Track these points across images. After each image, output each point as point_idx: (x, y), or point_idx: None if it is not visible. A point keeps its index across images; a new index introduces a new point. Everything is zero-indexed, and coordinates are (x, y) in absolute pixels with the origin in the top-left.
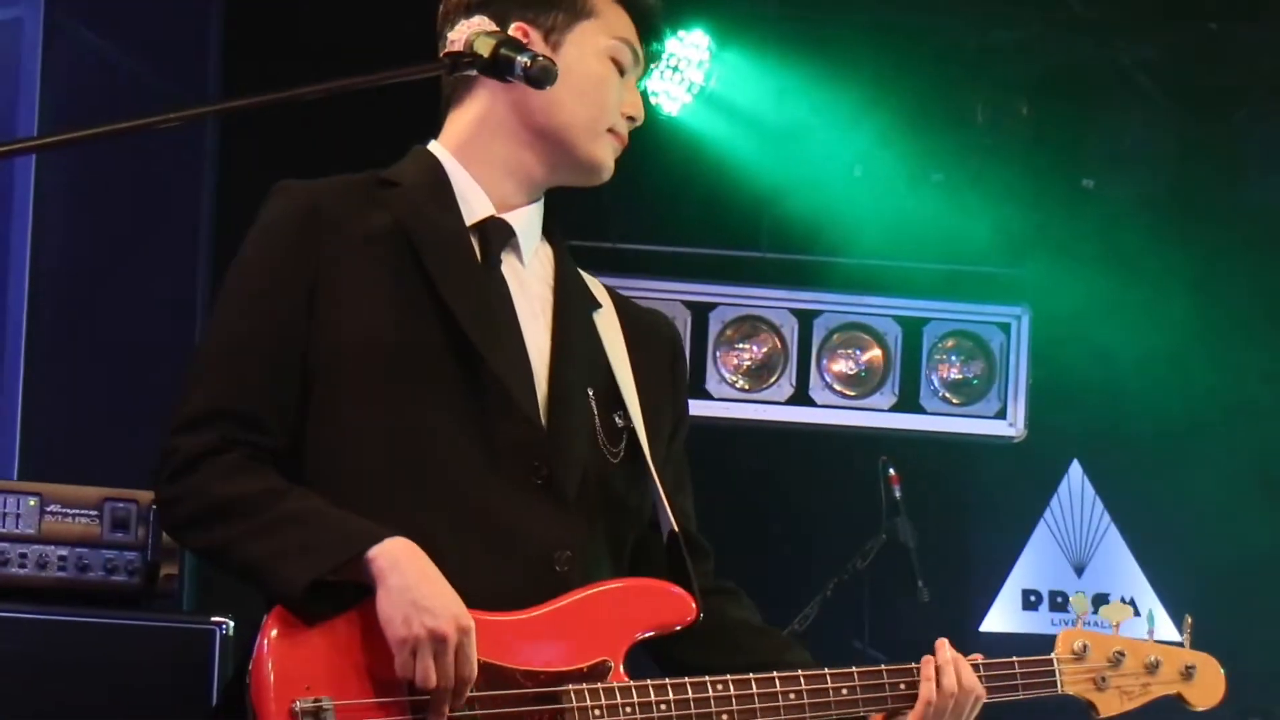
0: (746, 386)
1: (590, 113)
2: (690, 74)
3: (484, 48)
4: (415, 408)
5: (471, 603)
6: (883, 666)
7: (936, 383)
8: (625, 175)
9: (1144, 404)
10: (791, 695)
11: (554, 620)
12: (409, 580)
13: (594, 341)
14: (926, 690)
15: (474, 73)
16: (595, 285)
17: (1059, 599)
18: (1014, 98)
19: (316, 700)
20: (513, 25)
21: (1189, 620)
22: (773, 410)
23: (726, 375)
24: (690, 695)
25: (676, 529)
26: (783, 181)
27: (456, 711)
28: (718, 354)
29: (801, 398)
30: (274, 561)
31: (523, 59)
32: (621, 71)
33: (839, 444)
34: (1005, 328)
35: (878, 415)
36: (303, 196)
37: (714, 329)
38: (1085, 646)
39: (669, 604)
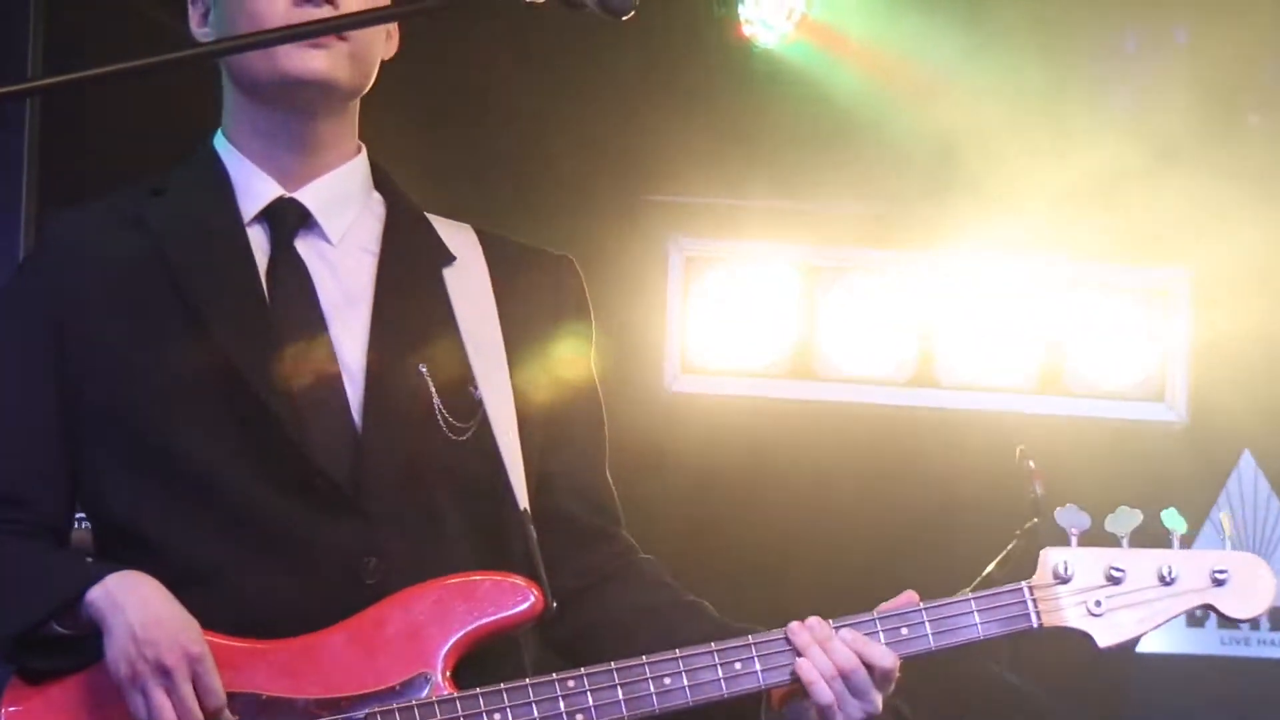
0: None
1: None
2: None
3: None
4: (187, 447)
5: (258, 630)
6: (749, 638)
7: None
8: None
9: None
10: (666, 680)
11: (354, 637)
12: (130, 616)
13: (432, 305)
14: (805, 669)
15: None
16: (457, 233)
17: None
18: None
19: None
20: (190, 5)
21: (1225, 518)
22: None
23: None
24: (532, 698)
25: (524, 506)
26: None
27: None
28: None
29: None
30: None
31: None
32: None
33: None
34: (1163, 295)
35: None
36: (48, 236)
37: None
38: (1068, 565)
39: (499, 599)
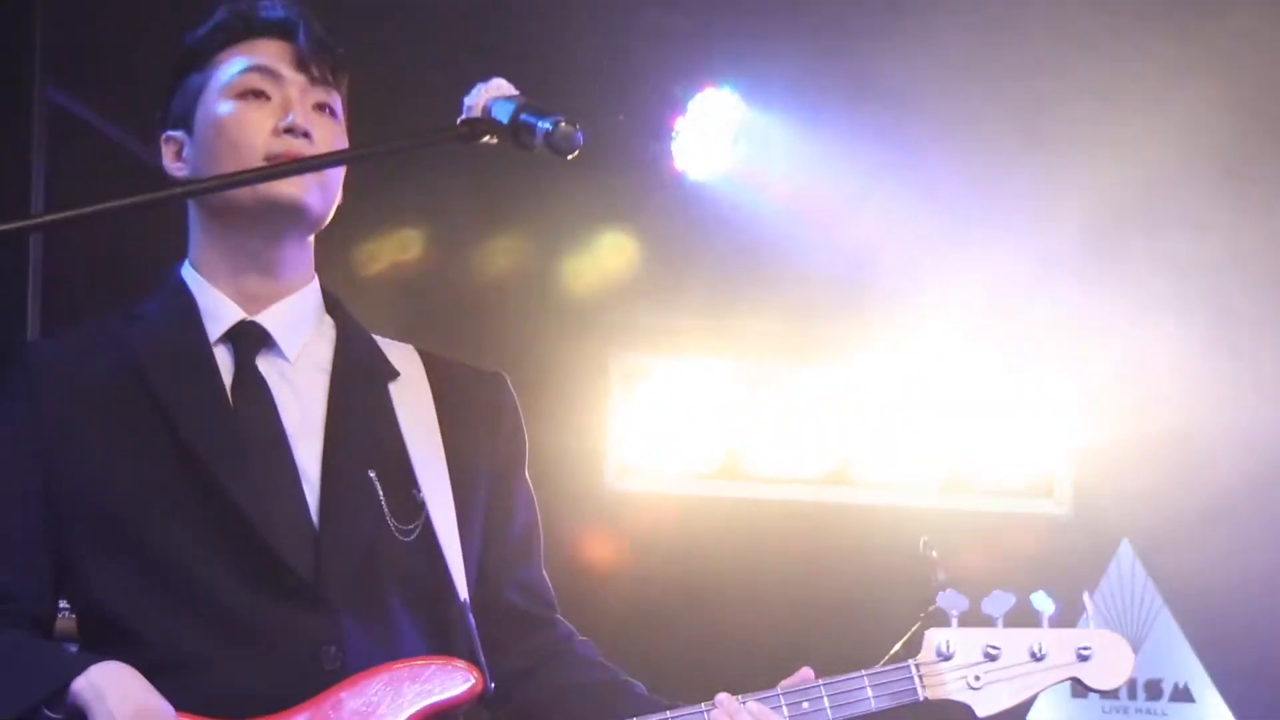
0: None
1: (232, 159)
2: (719, 136)
3: (502, 113)
4: (163, 546)
5: (244, 712)
6: (681, 712)
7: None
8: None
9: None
10: None
11: (315, 718)
12: (111, 704)
13: (379, 417)
14: None
15: (493, 140)
16: (400, 352)
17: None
18: None
19: None
20: (162, 141)
21: (1087, 597)
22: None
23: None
24: None
25: (465, 598)
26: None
27: None
28: None
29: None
30: None
31: (544, 125)
32: (260, 94)
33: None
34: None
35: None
36: (24, 361)
37: None
38: (949, 644)
39: (445, 681)
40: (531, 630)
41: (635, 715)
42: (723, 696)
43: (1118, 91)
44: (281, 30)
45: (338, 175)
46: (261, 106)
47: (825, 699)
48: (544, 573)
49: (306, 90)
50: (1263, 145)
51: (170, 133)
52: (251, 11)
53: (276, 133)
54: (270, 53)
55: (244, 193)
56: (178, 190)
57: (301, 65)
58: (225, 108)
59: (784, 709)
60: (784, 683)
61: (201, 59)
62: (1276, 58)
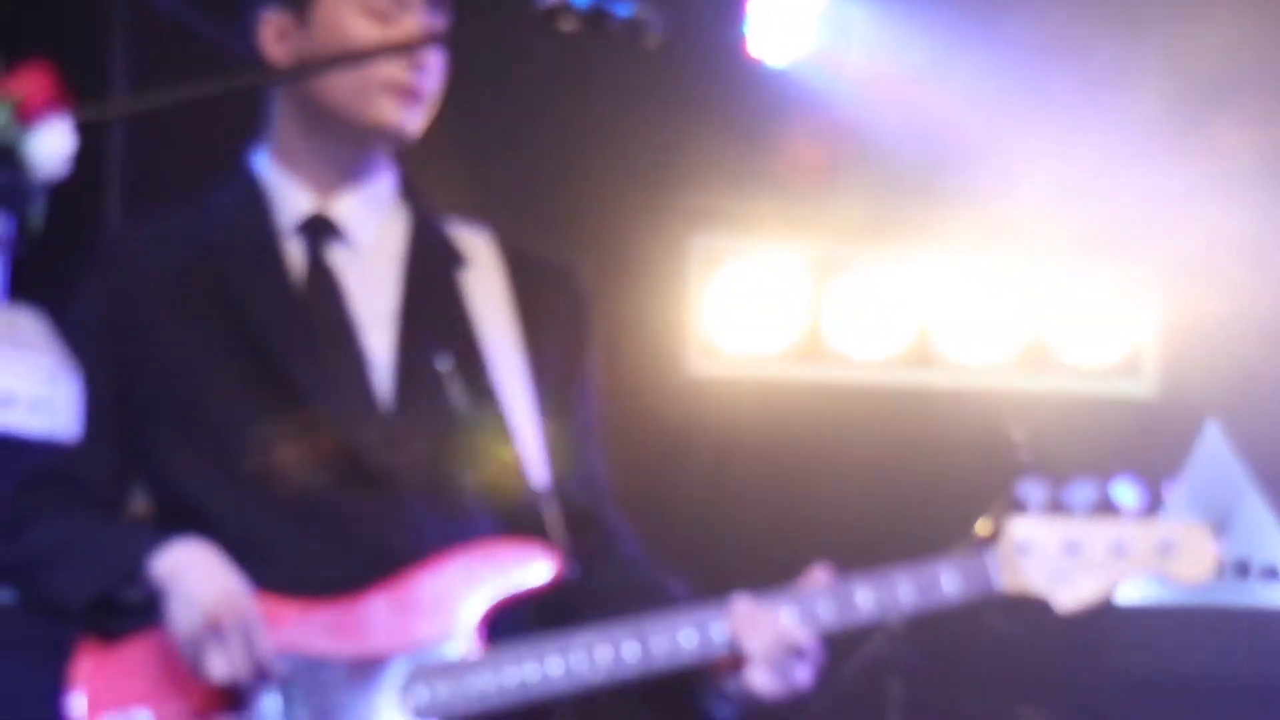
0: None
1: (351, 79)
2: (798, 21)
3: None
4: (235, 430)
5: (304, 594)
6: (707, 610)
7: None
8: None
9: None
10: (665, 641)
11: (389, 599)
12: (189, 582)
13: (452, 306)
14: (748, 642)
15: (572, 26)
16: (473, 238)
17: None
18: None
19: (127, 715)
20: (263, 20)
21: (1168, 490)
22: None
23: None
24: (542, 654)
25: (540, 488)
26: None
27: (272, 703)
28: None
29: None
30: (71, 591)
31: (623, 10)
32: (386, 19)
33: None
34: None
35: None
36: (103, 253)
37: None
38: (1030, 537)
39: (519, 565)
40: (580, 523)
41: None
42: (751, 601)
43: None
44: None
45: (438, 96)
46: (388, 29)
47: (899, 588)
48: (601, 464)
49: (424, 12)
50: None
51: (271, 13)
52: None
53: (397, 61)
54: None
55: (355, 112)
56: (277, 74)
57: None
58: (357, 24)
59: (797, 608)
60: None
61: None
62: None
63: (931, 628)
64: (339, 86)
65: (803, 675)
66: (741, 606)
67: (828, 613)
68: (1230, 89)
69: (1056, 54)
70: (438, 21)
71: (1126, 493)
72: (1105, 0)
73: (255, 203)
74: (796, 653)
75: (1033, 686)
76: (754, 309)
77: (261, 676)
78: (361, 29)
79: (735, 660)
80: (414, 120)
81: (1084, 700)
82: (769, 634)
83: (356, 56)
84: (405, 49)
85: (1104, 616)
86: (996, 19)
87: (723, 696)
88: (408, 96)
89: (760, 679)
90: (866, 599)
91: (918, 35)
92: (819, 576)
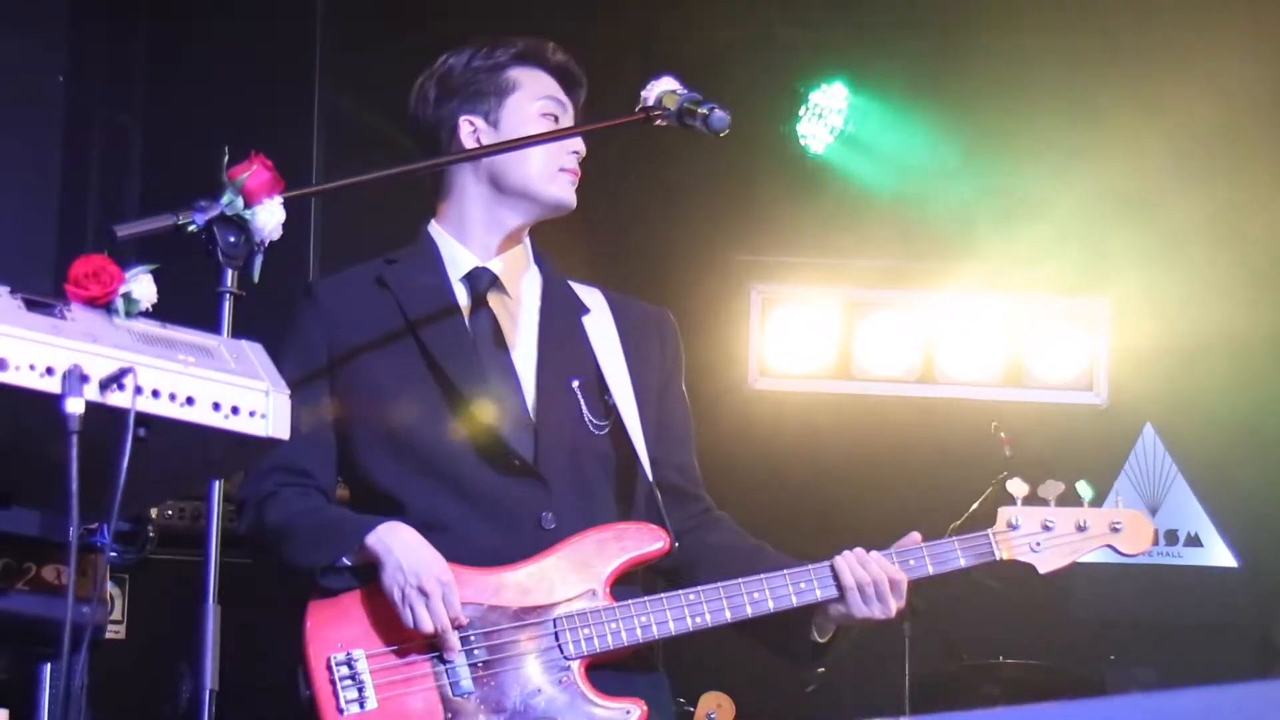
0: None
1: (537, 165)
2: (832, 119)
3: (670, 103)
4: (421, 437)
5: (477, 563)
6: (809, 566)
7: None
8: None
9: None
10: (755, 594)
11: (543, 567)
12: (397, 555)
13: (579, 341)
14: (847, 579)
15: (663, 122)
16: (588, 293)
17: None
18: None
19: (349, 654)
20: (461, 121)
21: (1117, 486)
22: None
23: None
24: (665, 606)
25: (651, 480)
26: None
27: (463, 647)
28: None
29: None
30: (306, 559)
31: (703, 110)
32: (557, 120)
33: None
34: (1091, 314)
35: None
36: (316, 296)
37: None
38: (1018, 519)
39: (641, 539)
40: (685, 502)
41: (771, 570)
42: (857, 550)
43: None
44: (564, 74)
45: None
46: (555, 126)
47: (927, 557)
48: (695, 460)
49: (575, 115)
50: None
51: (470, 117)
52: (539, 45)
53: (568, 152)
54: (558, 86)
55: (538, 188)
56: (478, 150)
57: (575, 101)
58: (537, 126)
59: (895, 564)
60: (897, 544)
61: (502, 66)
62: None
63: (938, 584)
64: (533, 169)
65: (879, 607)
66: (848, 557)
67: (910, 564)
68: (1174, 168)
69: (1029, 149)
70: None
71: (1085, 489)
72: (1064, 93)
73: (432, 258)
74: (894, 586)
75: (1016, 629)
76: (799, 339)
77: (455, 626)
78: (535, 129)
79: (836, 601)
80: (574, 198)
81: (1052, 638)
82: (877, 571)
83: (533, 143)
84: (568, 135)
85: (1067, 576)
86: (995, 125)
87: (825, 622)
88: (574, 177)
89: (859, 607)
90: (921, 560)
91: (933, 131)
92: (914, 536)
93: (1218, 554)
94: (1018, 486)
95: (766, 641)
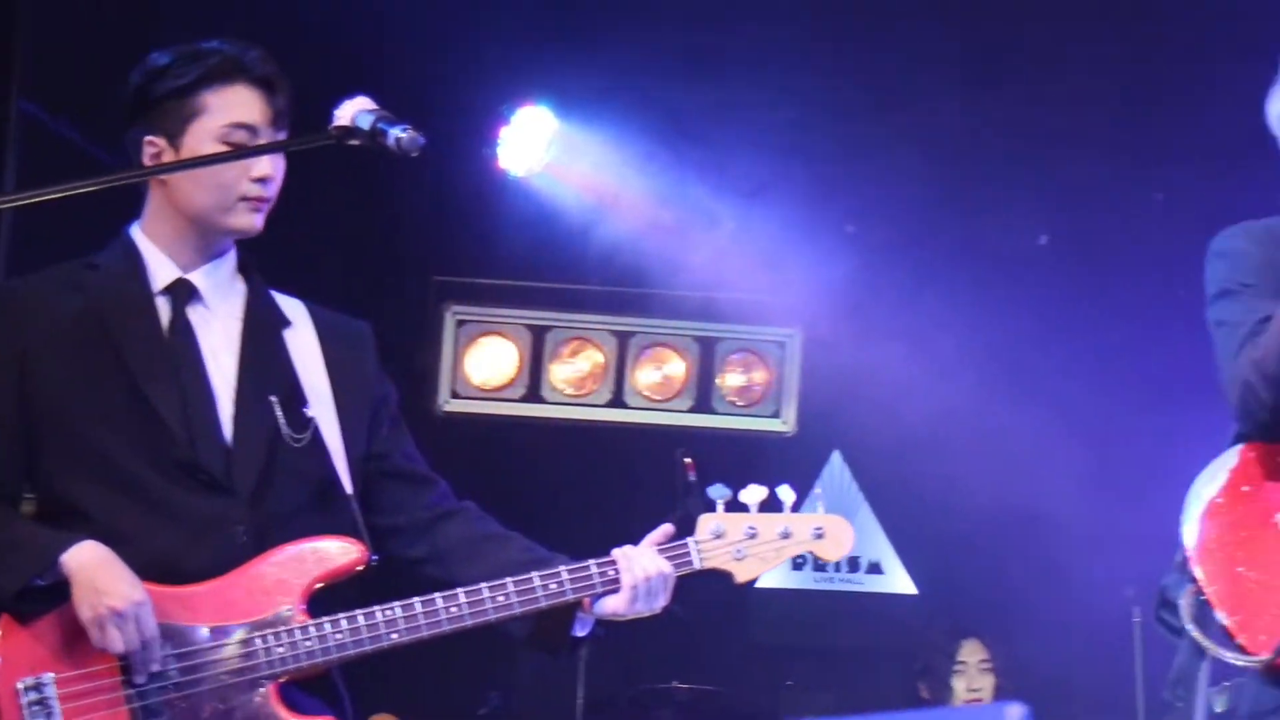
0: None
1: (213, 196)
2: (534, 143)
3: (364, 122)
4: (110, 448)
5: (166, 579)
6: (590, 561)
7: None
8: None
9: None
10: (500, 598)
11: (235, 583)
12: (91, 574)
13: (279, 354)
14: (628, 577)
15: (356, 141)
16: (291, 306)
17: (819, 563)
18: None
19: (37, 678)
20: (145, 142)
21: (818, 491)
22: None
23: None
24: (362, 623)
25: (349, 492)
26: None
27: (154, 667)
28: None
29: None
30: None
31: (395, 130)
32: (241, 146)
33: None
34: (780, 345)
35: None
36: (7, 300)
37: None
38: (720, 527)
39: (336, 553)
40: (425, 487)
41: (526, 564)
42: (629, 547)
43: None
44: (264, 85)
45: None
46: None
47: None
48: (413, 446)
49: (270, 136)
50: None
51: (153, 138)
52: (238, 58)
53: (251, 178)
54: (252, 106)
55: (218, 219)
56: (158, 169)
57: (275, 121)
58: (214, 150)
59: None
60: (651, 538)
61: (189, 89)
62: None
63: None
64: (206, 201)
65: (665, 598)
66: (624, 550)
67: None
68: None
69: (728, 179)
70: (279, 138)
71: (787, 494)
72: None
73: (133, 267)
74: (663, 581)
75: (693, 653)
76: (491, 361)
77: (148, 646)
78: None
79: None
80: (258, 223)
81: (730, 662)
82: (650, 567)
83: (211, 162)
84: (244, 155)
85: (747, 601)
86: (674, 148)
87: (585, 621)
88: (258, 204)
89: (623, 605)
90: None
91: (622, 154)
92: (668, 529)
93: (898, 581)
94: (719, 491)
95: (520, 634)
